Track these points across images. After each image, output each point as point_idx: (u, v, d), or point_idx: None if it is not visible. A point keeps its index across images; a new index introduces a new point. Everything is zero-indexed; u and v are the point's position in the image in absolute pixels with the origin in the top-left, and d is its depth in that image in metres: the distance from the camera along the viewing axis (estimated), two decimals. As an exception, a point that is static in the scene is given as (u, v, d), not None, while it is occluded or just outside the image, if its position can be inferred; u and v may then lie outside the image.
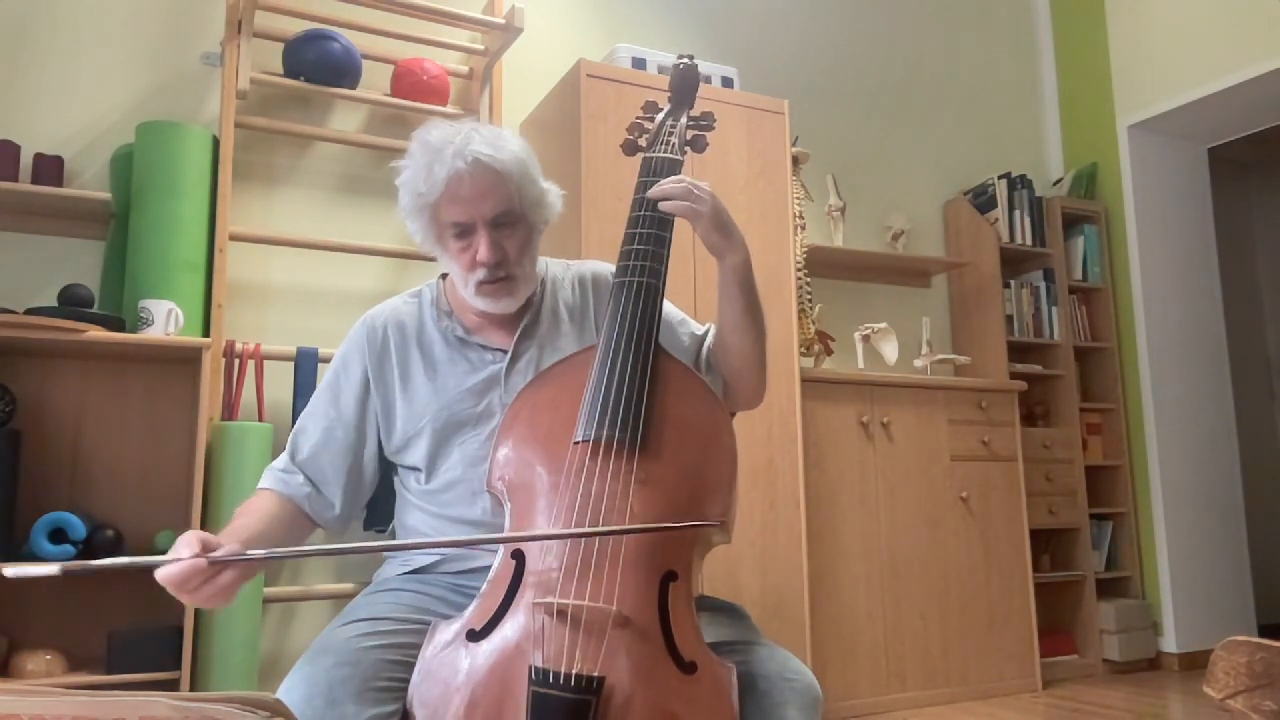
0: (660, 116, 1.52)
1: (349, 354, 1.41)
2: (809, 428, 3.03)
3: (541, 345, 1.40)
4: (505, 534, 1.15)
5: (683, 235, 1.40)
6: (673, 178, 1.35)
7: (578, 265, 1.53)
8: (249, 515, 1.29)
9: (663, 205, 1.33)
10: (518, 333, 1.40)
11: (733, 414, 1.52)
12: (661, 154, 1.43)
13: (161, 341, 2.36)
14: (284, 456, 1.39)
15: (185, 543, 1.06)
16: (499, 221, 1.32)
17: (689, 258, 2.76)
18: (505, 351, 1.38)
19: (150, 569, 1.03)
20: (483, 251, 1.31)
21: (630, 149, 1.49)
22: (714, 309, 1.47)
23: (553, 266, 1.50)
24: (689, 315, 1.56)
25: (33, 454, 2.39)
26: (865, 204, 3.86)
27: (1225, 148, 4.32)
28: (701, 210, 1.32)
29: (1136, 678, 3.64)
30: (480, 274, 1.33)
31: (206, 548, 1.06)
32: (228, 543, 1.11)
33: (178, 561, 1.03)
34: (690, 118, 1.53)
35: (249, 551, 1.07)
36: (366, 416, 1.38)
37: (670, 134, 1.47)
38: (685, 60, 1.56)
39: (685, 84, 1.55)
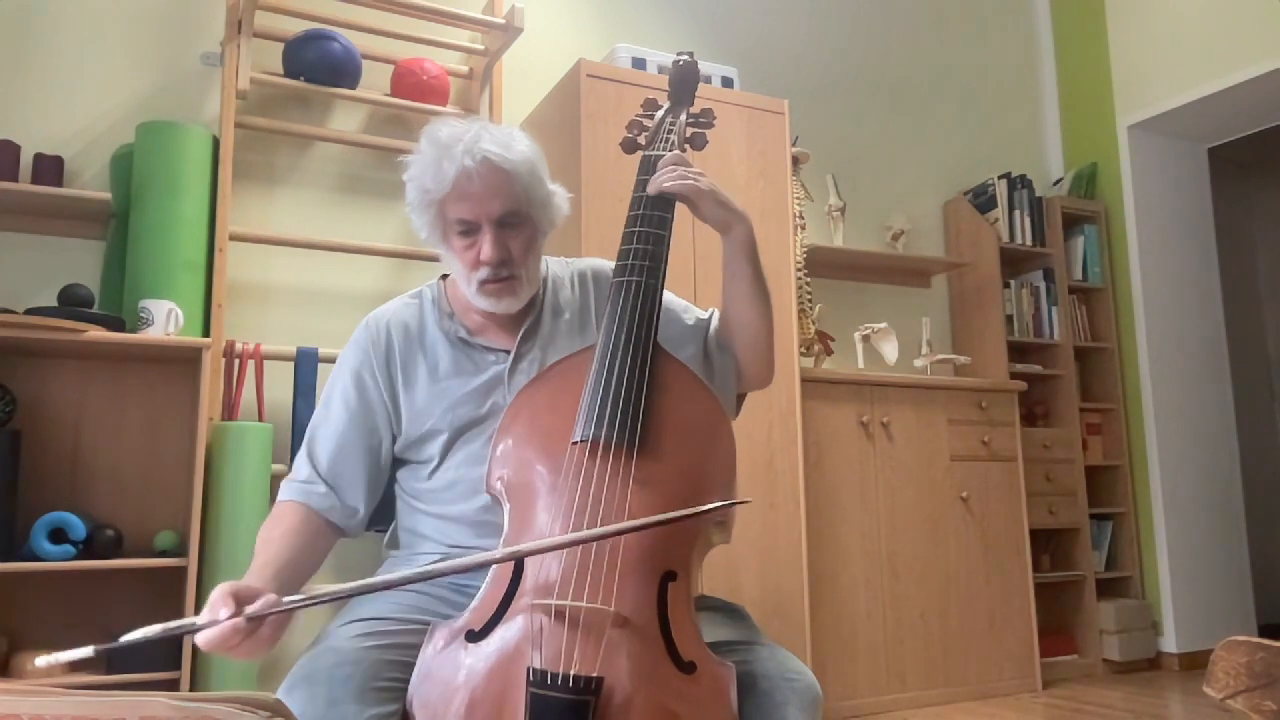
0: (660, 114, 1.51)
1: (354, 357, 1.40)
2: (809, 428, 3.03)
3: (544, 346, 1.40)
4: (556, 541, 1.12)
5: (681, 229, 1.40)
6: (666, 163, 1.37)
7: (576, 262, 1.53)
8: (275, 543, 1.26)
9: (666, 187, 1.35)
10: (520, 333, 1.39)
11: (742, 396, 1.52)
12: (661, 152, 1.42)
13: (161, 341, 2.36)
14: (302, 467, 1.35)
15: (220, 601, 1.02)
16: (505, 221, 1.32)
17: (688, 251, 2.76)
18: (508, 352, 1.38)
19: (191, 632, 1.01)
20: (486, 250, 1.31)
21: (629, 147, 1.48)
22: (714, 301, 1.47)
23: (552, 265, 1.50)
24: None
25: (33, 454, 2.39)
26: (865, 204, 3.86)
27: (1225, 148, 4.32)
28: (701, 187, 1.35)
29: (1136, 678, 3.64)
30: (483, 273, 1.32)
31: (239, 601, 1.03)
32: (258, 583, 1.08)
33: (215, 624, 1.00)
34: (690, 115, 1.52)
35: (284, 601, 1.04)
36: (379, 416, 1.37)
37: (670, 131, 1.46)
38: (685, 57, 1.55)
39: (685, 81, 1.54)
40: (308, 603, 1.03)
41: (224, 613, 1.01)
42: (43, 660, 0.90)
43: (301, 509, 1.32)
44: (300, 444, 1.39)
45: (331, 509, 1.33)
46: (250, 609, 1.02)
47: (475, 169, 1.28)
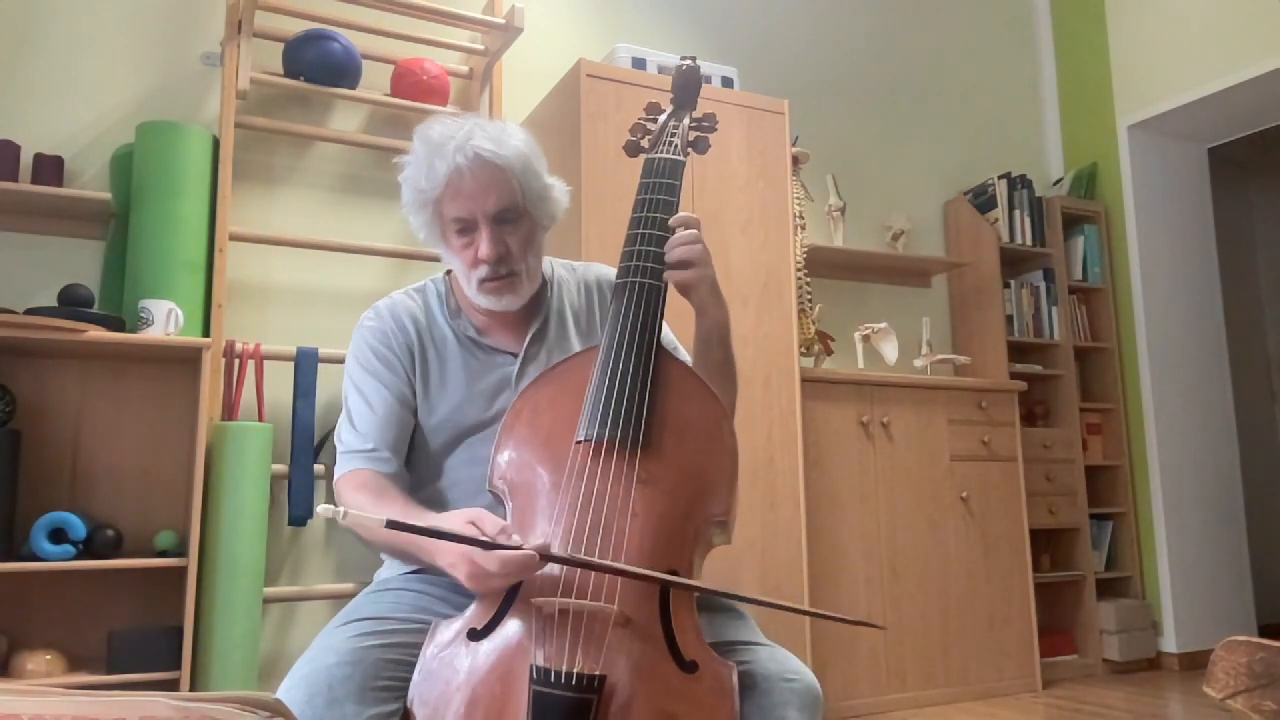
0: (663, 118, 1.51)
1: (373, 338, 1.39)
2: (809, 428, 3.03)
3: (550, 349, 1.40)
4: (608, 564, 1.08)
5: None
6: (691, 236, 1.31)
7: (583, 269, 1.52)
8: (397, 499, 1.25)
9: (676, 276, 1.30)
10: (529, 336, 1.39)
11: None
12: (664, 155, 1.42)
13: (161, 341, 2.36)
14: (353, 439, 1.33)
15: (504, 531, 1.05)
16: (501, 217, 1.31)
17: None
18: (515, 354, 1.38)
19: (491, 547, 1.02)
20: (484, 248, 1.30)
21: (632, 150, 1.48)
22: None
23: (558, 269, 1.49)
24: (683, 322, 1.54)
25: (33, 454, 2.39)
26: (865, 204, 3.86)
27: (1225, 148, 4.32)
28: (707, 275, 1.31)
29: (1136, 678, 3.64)
30: (482, 271, 1.32)
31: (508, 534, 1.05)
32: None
33: (519, 550, 1.02)
34: (692, 119, 1.52)
35: (576, 555, 1.06)
36: (406, 389, 1.36)
37: (672, 135, 1.46)
38: (687, 61, 1.55)
39: (687, 85, 1.54)
40: (591, 564, 1.04)
41: (517, 540, 1.04)
42: (324, 508, 0.92)
43: (378, 475, 1.30)
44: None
45: (397, 475, 1.32)
46: (554, 552, 1.05)
47: (467, 166, 1.27)
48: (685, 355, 1.49)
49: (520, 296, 1.36)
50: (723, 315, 1.37)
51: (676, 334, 1.50)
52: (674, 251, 1.30)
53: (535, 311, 1.41)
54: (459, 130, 1.30)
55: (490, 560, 1.02)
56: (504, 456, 1.20)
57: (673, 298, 1.31)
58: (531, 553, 1.02)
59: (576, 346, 1.41)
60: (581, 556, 1.06)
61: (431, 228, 1.36)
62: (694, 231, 1.32)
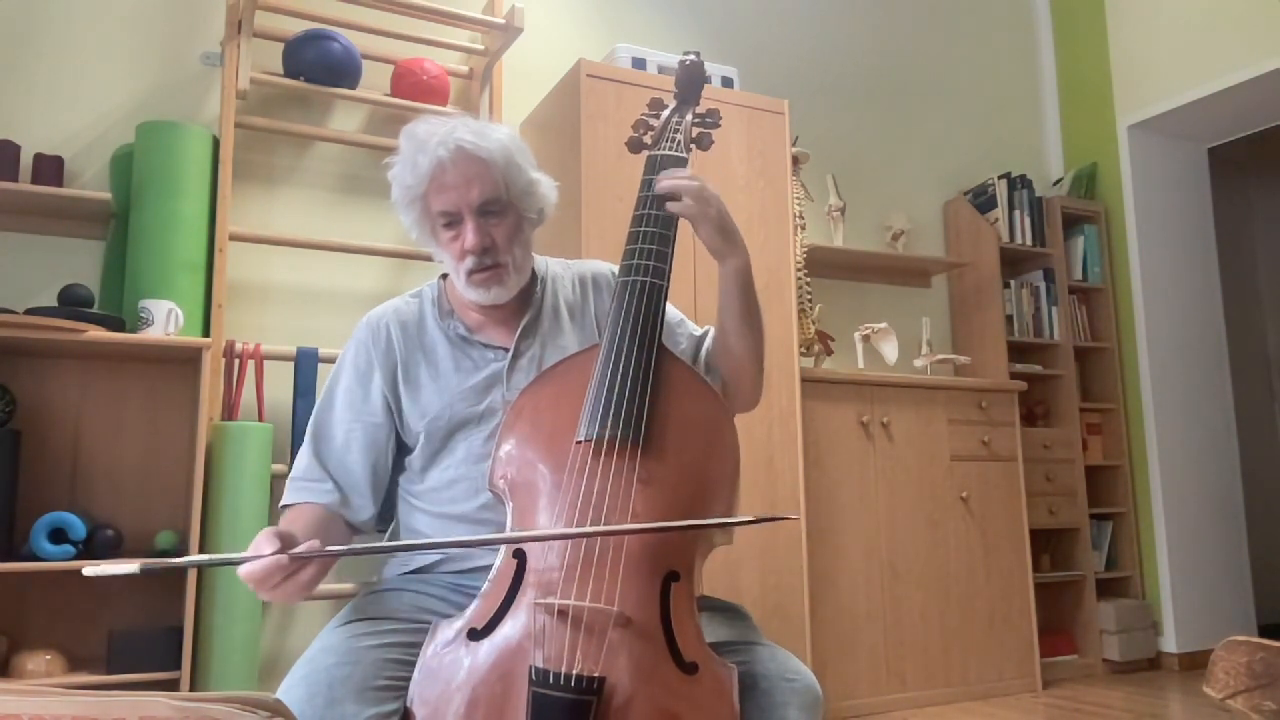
0: (666, 114, 1.50)
1: (356, 354, 1.40)
2: (809, 428, 3.02)
3: (543, 343, 1.40)
4: (551, 532, 1.12)
5: (684, 236, 1.39)
6: (684, 173, 1.34)
7: (578, 265, 1.53)
8: (299, 521, 1.28)
9: (670, 205, 1.32)
10: (519, 330, 1.39)
11: None
12: (667, 151, 1.42)
13: (161, 341, 2.36)
14: (304, 464, 1.36)
15: (265, 541, 1.06)
16: (486, 209, 1.33)
17: (689, 258, 2.76)
18: (507, 350, 1.38)
19: (234, 564, 1.05)
20: (469, 238, 1.31)
21: (635, 146, 1.48)
22: (714, 310, 1.47)
23: (553, 265, 1.50)
24: (688, 316, 1.55)
25: (33, 454, 2.39)
26: (865, 204, 3.86)
27: (1225, 148, 4.32)
28: (708, 212, 1.32)
29: (1136, 678, 3.63)
30: (469, 262, 1.33)
31: (284, 543, 1.06)
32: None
33: (259, 559, 1.03)
34: (696, 115, 1.51)
35: (327, 548, 1.08)
36: (382, 413, 1.37)
37: (675, 131, 1.46)
38: (691, 57, 1.54)
39: (691, 81, 1.54)
40: (347, 551, 1.08)
41: (268, 549, 1.04)
42: (90, 569, 0.94)
43: (314, 507, 1.33)
44: (301, 443, 1.40)
45: (342, 505, 1.34)
46: (294, 550, 1.06)
47: (450, 158, 1.29)
48: (692, 329, 1.50)
49: (508, 289, 1.36)
50: (741, 260, 1.36)
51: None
52: (661, 184, 1.32)
53: (526, 306, 1.42)
54: (442, 126, 1.32)
55: (243, 573, 1.06)
56: (504, 455, 1.20)
57: (675, 293, 1.31)
58: (272, 558, 1.04)
59: (570, 340, 1.41)
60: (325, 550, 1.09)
61: (421, 225, 1.37)
62: (686, 171, 1.34)
